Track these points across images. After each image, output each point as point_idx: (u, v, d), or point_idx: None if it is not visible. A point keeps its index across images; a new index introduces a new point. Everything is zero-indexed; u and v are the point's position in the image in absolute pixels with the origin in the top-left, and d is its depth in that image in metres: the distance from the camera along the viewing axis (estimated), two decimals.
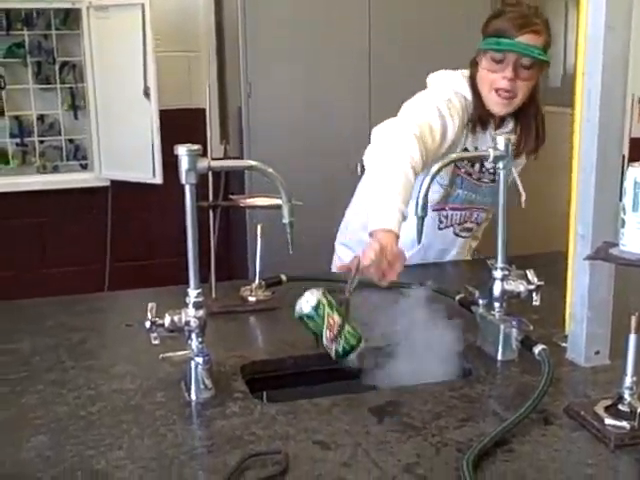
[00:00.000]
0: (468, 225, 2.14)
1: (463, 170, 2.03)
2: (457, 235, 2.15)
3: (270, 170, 1.38)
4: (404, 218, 1.66)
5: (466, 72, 2.01)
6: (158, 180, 3.09)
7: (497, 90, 1.90)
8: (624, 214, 1.19)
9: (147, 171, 3.10)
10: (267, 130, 3.12)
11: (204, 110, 3.48)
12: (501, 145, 1.48)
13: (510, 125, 2.03)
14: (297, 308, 1.39)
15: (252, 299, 1.83)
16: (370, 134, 3.18)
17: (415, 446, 1.18)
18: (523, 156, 2.07)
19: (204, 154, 3.69)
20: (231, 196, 1.85)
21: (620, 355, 1.47)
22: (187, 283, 1.34)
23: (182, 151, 1.29)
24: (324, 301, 1.37)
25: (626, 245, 1.19)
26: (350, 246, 2.22)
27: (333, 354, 1.40)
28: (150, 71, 3.01)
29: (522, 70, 1.88)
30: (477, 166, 2.03)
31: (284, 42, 3.10)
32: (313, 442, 1.18)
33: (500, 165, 1.49)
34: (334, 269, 2.25)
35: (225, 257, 3.47)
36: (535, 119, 2.02)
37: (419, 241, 1.53)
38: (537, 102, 2.01)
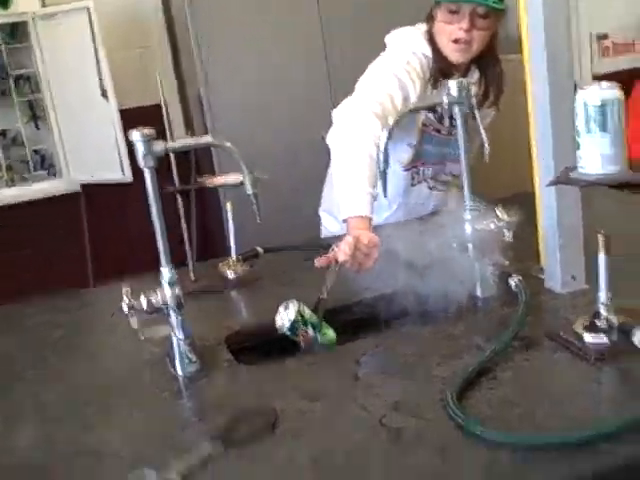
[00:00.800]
0: (443, 178, 2.14)
1: (431, 127, 2.02)
2: (432, 189, 2.15)
3: (227, 144, 1.37)
4: (374, 199, 1.68)
5: (423, 27, 2.00)
6: (128, 178, 3.08)
7: (454, 40, 1.90)
8: (578, 137, 1.20)
9: (116, 171, 3.09)
10: (229, 113, 3.10)
11: (158, 105, 3.51)
12: (454, 90, 1.49)
13: (475, 76, 2.03)
14: (278, 323, 1.45)
15: (231, 275, 1.83)
16: (331, 98, 3.23)
17: (400, 386, 1.19)
18: (490, 109, 2.07)
19: None
20: (199, 179, 1.85)
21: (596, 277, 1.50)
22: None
23: (136, 136, 1.29)
24: (298, 318, 1.44)
25: (584, 167, 1.20)
26: (334, 214, 2.22)
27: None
28: (105, 72, 3.00)
29: (478, 19, 1.87)
30: (447, 120, 2.01)
31: (234, 23, 3.07)
32: (301, 396, 1.19)
33: (455, 110, 1.49)
34: (323, 235, 2.27)
35: (206, 240, 3.47)
36: (494, 69, 2.02)
37: (385, 194, 1.54)
38: (496, 52, 2.00)
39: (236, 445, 1.05)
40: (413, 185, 2.10)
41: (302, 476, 0.96)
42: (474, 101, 1.95)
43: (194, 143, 1.39)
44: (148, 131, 1.31)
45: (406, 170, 2.08)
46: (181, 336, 1.33)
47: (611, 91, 1.18)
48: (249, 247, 1.89)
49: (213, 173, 2.80)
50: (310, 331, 1.44)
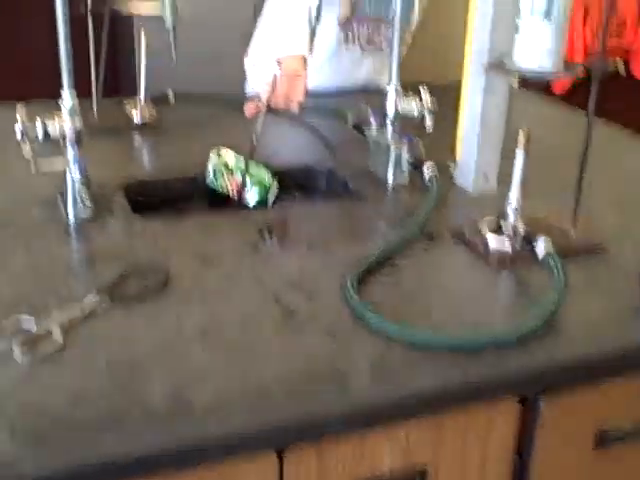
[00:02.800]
0: (376, 39, 2.03)
1: None
2: (365, 51, 2.04)
3: None
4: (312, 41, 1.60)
5: None
6: None
7: None
8: (519, 19, 1.14)
9: None
10: None
11: None
12: None
13: None
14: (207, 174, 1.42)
15: (136, 116, 1.72)
16: None
17: (301, 263, 1.17)
18: None
19: None
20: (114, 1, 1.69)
21: (508, 183, 1.50)
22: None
23: None
24: (220, 167, 1.38)
25: (520, 58, 1.15)
26: (262, 66, 2.07)
27: (251, 205, 1.39)
28: None
29: None
30: None
31: None
32: (196, 258, 1.15)
33: None
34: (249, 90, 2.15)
35: (113, 73, 3.24)
36: None
37: (310, 50, 1.45)
38: None
39: (123, 301, 1.00)
40: (346, 44, 2.00)
41: (188, 344, 0.93)
42: None
43: None
44: None
45: (340, 25, 1.98)
46: (77, 175, 1.25)
47: None
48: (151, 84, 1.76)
49: None
50: (239, 177, 1.38)
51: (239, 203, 1.43)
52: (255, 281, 1.10)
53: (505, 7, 1.33)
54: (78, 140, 1.24)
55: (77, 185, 1.25)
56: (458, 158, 1.54)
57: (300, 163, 1.59)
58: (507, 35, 1.35)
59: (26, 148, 1.23)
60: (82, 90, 1.71)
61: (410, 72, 1.59)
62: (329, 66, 2.02)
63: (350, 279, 1.08)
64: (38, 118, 1.20)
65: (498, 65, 1.18)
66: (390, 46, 2.05)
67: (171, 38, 1.30)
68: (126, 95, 1.77)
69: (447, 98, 1.50)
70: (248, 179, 1.42)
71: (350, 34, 1.99)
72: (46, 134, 1.22)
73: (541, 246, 1.16)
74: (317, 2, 1.39)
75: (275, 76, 1.48)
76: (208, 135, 1.70)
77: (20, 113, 1.20)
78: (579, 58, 3.67)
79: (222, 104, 1.88)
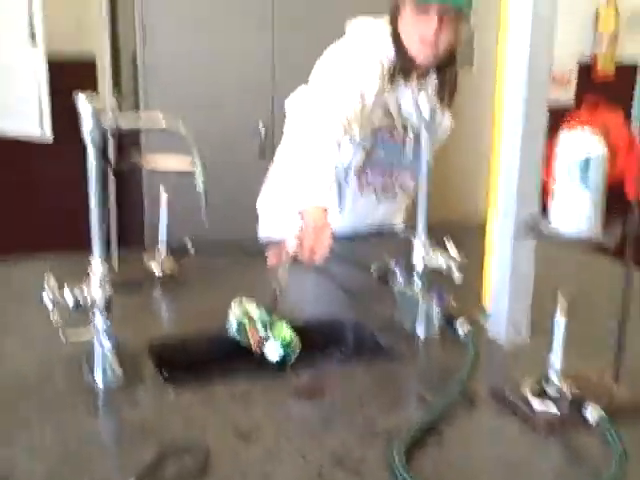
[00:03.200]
0: (390, 187, 2.07)
1: (386, 129, 1.95)
2: (380, 200, 2.07)
3: (183, 130, 1.26)
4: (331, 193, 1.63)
5: (386, 20, 1.93)
6: (47, 134, 2.84)
7: (422, 40, 1.84)
8: (556, 186, 1.14)
9: (33, 126, 2.82)
10: (164, 79, 2.91)
11: (93, 57, 3.28)
12: (425, 111, 1.41)
13: (432, 78, 1.97)
14: (227, 325, 1.39)
15: (157, 270, 1.71)
16: (273, 93, 3.11)
17: (341, 434, 1.11)
18: (443, 117, 2.01)
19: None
20: (135, 156, 1.71)
21: (540, 332, 1.46)
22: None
23: (84, 105, 1.14)
24: (244, 320, 1.36)
25: (560, 222, 1.15)
26: (275, 213, 2.14)
27: (273, 360, 1.36)
28: (37, 12, 2.74)
29: (446, 20, 1.82)
30: (400, 127, 1.96)
31: None
32: (233, 433, 1.10)
33: (423, 130, 1.42)
34: (260, 235, 2.18)
35: (121, 225, 3.27)
36: (451, 69, 1.97)
37: (341, 207, 1.45)
38: (455, 53, 1.96)
39: None
40: (361, 192, 2.02)
41: None
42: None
43: (146, 122, 1.26)
44: (100, 106, 1.17)
45: (355, 175, 2.00)
46: (107, 344, 1.21)
47: (597, 145, 1.14)
48: (173, 239, 1.76)
49: (138, 146, 2.62)
50: (261, 331, 1.35)
51: (261, 357, 1.39)
52: (297, 456, 1.05)
53: (531, 170, 1.35)
54: (107, 307, 1.22)
55: (106, 352, 1.22)
56: (488, 309, 1.52)
57: (326, 315, 1.56)
58: (532, 190, 1.38)
59: (54, 317, 1.20)
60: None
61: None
62: (344, 213, 2.04)
63: (397, 454, 1.03)
64: (67, 287, 1.18)
65: (533, 229, 1.17)
66: (405, 192, 2.09)
67: (202, 202, 1.30)
68: (132, 245, 1.76)
69: (468, 239, 1.49)
70: (270, 334, 1.38)
71: (365, 183, 2.01)
72: (75, 300, 1.20)
73: (591, 412, 1.12)
74: (346, 162, 1.39)
75: (302, 229, 1.47)
76: (229, 285, 1.69)
77: (48, 283, 1.18)
78: None
79: (240, 251, 1.88)
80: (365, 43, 1.90)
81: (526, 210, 1.38)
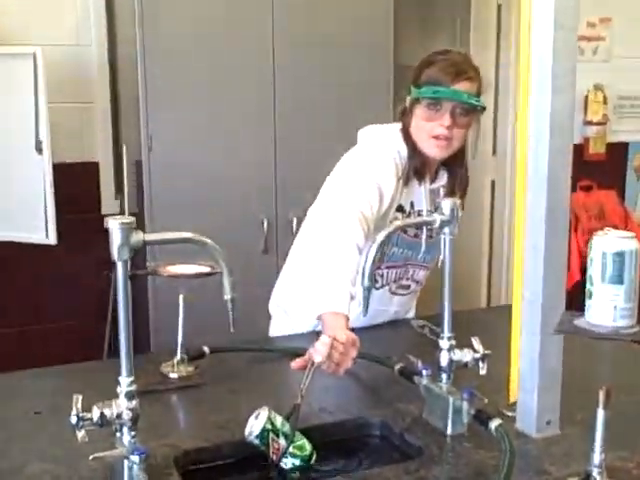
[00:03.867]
0: (404, 282, 2.07)
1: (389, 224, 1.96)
2: (394, 294, 2.08)
3: (209, 241, 1.27)
4: (352, 298, 1.63)
5: (396, 126, 1.97)
6: (52, 241, 2.86)
7: (436, 137, 1.88)
8: (591, 285, 1.15)
9: (39, 232, 2.85)
10: (167, 185, 2.96)
11: (97, 164, 3.34)
12: (447, 210, 1.43)
13: (444, 178, 2.00)
14: (247, 432, 1.36)
15: (174, 375, 1.69)
16: (275, 188, 3.16)
17: None
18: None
19: (98, 210, 3.48)
20: (149, 264, 1.71)
21: (569, 423, 1.45)
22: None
23: (114, 224, 1.16)
24: (268, 426, 1.35)
25: (595, 317, 1.15)
26: (288, 313, 2.14)
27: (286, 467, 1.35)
28: (43, 124, 2.80)
29: (459, 117, 1.86)
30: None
31: (184, 93, 2.97)
32: None
33: (446, 231, 1.44)
34: (272, 334, 2.17)
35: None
36: (462, 170, 2.01)
37: (365, 313, 1.46)
38: (464, 153, 1.99)
39: None
40: (377, 289, 2.01)
41: None
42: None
43: (173, 237, 1.27)
44: (127, 220, 1.18)
45: None
46: (136, 460, 1.18)
47: (630, 241, 1.15)
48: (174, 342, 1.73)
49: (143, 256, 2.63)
50: (282, 442, 1.34)
51: (276, 466, 1.37)
52: None
53: (555, 260, 1.36)
54: (134, 422, 1.20)
55: (135, 469, 1.18)
56: (515, 401, 1.50)
57: (352, 415, 1.53)
58: (559, 281, 1.39)
59: (80, 434, 1.18)
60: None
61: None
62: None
63: None
64: (96, 408, 1.17)
65: (574, 330, 1.17)
66: (417, 284, 2.09)
67: (229, 308, 1.29)
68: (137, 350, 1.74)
69: (480, 328, 1.49)
70: (291, 448, 1.36)
71: (380, 279, 2.01)
72: (102, 416, 1.18)
73: None
74: (370, 262, 1.40)
75: (330, 340, 1.48)
76: (247, 388, 1.67)
77: (76, 403, 1.16)
78: (574, 260, 3.77)
79: (256, 351, 1.87)
80: (379, 146, 1.94)
81: (551, 303, 1.39)
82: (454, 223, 1.43)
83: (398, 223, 1.64)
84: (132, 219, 1.18)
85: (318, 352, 1.46)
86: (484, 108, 1.90)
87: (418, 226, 1.90)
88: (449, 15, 4.21)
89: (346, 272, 1.65)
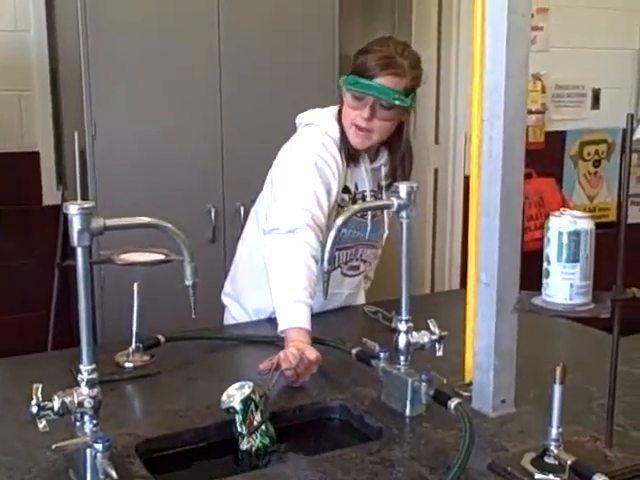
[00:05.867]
0: (354, 263, 2.09)
1: (346, 208, 1.98)
2: (345, 275, 2.09)
3: (170, 226, 1.26)
4: (311, 310, 1.70)
5: (333, 108, 1.99)
6: None
7: (356, 126, 1.89)
8: (548, 264, 1.18)
9: None
10: (113, 174, 2.90)
11: (38, 153, 3.26)
12: (404, 193, 1.45)
13: (384, 157, 2.02)
14: (224, 397, 1.39)
15: (129, 365, 1.67)
16: (222, 176, 3.13)
17: None
18: None
19: (39, 201, 3.40)
20: (102, 252, 1.68)
21: (524, 401, 1.49)
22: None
23: (73, 210, 1.13)
24: (253, 396, 1.38)
25: (552, 296, 1.18)
26: (241, 302, 2.15)
27: (244, 446, 1.38)
28: None
29: (380, 110, 1.86)
30: (359, 202, 2.00)
31: (128, 79, 2.90)
32: None
33: (403, 214, 1.45)
34: (227, 323, 2.18)
35: (66, 318, 3.20)
36: (403, 155, 2.01)
37: (325, 296, 1.47)
38: (406, 138, 1.99)
39: None
40: None
41: None
42: (383, 184, 2.01)
43: (134, 222, 1.26)
44: (87, 204, 1.16)
45: None
46: (100, 447, 1.16)
47: (586, 220, 1.18)
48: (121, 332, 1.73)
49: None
50: (257, 418, 1.37)
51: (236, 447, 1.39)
52: None
53: (510, 243, 1.39)
54: (96, 410, 1.18)
55: (99, 457, 1.16)
56: (470, 380, 1.53)
57: (311, 399, 1.54)
58: (514, 264, 1.42)
59: (42, 425, 1.16)
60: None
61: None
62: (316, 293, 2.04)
63: None
64: (56, 397, 1.15)
65: (531, 307, 1.20)
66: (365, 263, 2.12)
67: (191, 294, 1.29)
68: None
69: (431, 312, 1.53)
70: (263, 427, 1.37)
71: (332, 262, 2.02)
72: (63, 404, 1.16)
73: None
74: (329, 247, 1.41)
75: (299, 354, 1.56)
76: (203, 375, 1.67)
77: (36, 392, 1.14)
78: None
79: (210, 342, 1.87)
80: (317, 131, 1.94)
81: (507, 285, 1.42)
82: (411, 206, 1.45)
83: (355, 207, 1.66)
84: (92, 204, 1.16)
85: (287, 361, 1.53)
86: (406, 107, 1.87)
87: (375, 210, 1.92)
88: (390, 6, 4.24)
89: (303, 284, 1.70)
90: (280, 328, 1.69)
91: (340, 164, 1.92)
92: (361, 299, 2.24)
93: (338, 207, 1.94)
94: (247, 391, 1.38)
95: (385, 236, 2.08)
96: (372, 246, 2.10)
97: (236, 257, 2.18)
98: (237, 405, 1.37)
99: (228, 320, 2.16)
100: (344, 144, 1.93)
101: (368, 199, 2.00)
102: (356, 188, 2.00)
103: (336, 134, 1.94)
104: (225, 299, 2.19)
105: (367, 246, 2.09)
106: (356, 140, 1.92)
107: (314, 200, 1.83)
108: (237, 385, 1.39)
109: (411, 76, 1.86)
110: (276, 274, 1.76)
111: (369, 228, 1.98)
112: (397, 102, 1.84)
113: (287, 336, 1.66)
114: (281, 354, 1.55)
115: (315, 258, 1.73)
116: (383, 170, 2.01)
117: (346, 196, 1.97)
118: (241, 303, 2.13)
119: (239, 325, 2.08)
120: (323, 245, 1.47)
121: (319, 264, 1.58)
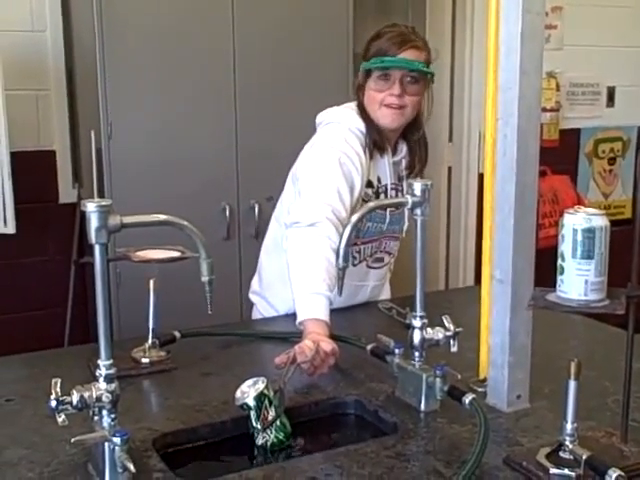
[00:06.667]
0: (379, 255, 2.12)
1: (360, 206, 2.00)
2: (370, 267, 2.12)
3: (186, 224, 1.27)
4: (331, 303, 1.71)
5: (351, 104, 2.02)
6: (10, 230, 2.82)
7: (387, 105, 1.93)
8: (562, 261, 1.19)
9: None
10: (129, 172, 2.93)
11: (54, 152, 3.29)
12: (418, 191, 1.45)
13: (404, 150, 2.06)
14: (238, 394, 1.40)
15: (146, 360, 1.68)
16: (237, 174, 3.15)
17: None
18: None
19: (56, 199, 3.42)
20: (118, 250, 1.70)
21: (538, 397, 1.49)
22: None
23: (91, 207, 1.15)
24: (267, 392, 1.39)
25: (566, 292, 1.19)
26: (268, 299, 2.17)
27: (260, 441, 1.39)
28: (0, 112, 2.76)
29: (408, 85, 1.92)
30: (382, 196, 2.02)
31: (145, 78, 2.93)
32: None
33: (418, 212, 1.46)
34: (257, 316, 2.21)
35: (83, 314, 3.23)
36: (419, 139, 2.06)
37: (340, 293, 1.49)
38: (422, 124, 2.05)
39: None
40: (354, 265, 2.05)
41: None
42: (404, 174, 2.04)
43: (151, 220, 1.27)
44: (105, 202, 1.18)
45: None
46: (118, 441, 1.18)
47: (600, 218, 1.19)
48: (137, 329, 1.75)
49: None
50: (271, 414, 1.37)
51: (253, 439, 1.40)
52: None
53: (524, 240, 1.39)
54: (114, 404, 1.20)
55: (117, 450, 1.18)
56: (482, 375, 1.54)
57: (326, 395, 1.55)
58: (528, 260, 1.42)
59: (60, 419, 1.17)
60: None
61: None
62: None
63: None
64: (75, 391, 1.17)
65: (546, 304, 1.20)
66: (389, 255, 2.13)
67: (207, 291, 1.30)
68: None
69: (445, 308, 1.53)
70: (278, 422, 1.38)
71: (358, 255, 2.05)
72: (81, 399, 1.18)
73: (613, 475, 1.13)
74: (344, 244, 1.42)
75: (315, 347, 1.56)
76: (219, 373, 1.68)
77: (55, 387, 1.16)
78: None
79: (225, 338, 1.88)
80: (339, 127, 1.97)
81: (521, 282, 1.42)
82: (425, 204, 1.45)
83: (371, 205, 1.66)
84: (110, 201, 1.17)
85: (303, 354, 1.54)
86: (432, 75, 1.95)
87: (391, 207, 1.93)
88: (403, 5, 4.24)
89: (322, 277, 1.72)
90: (298, 319, 1.70)
91: (363, 159, 1.94)
92: (386, 292, 2.26)
93: (362, 202, 1.96)
94: (261, 387, 1.39)
95: (406, 227, 2.10)
96: (395, 238, 2.13)
97: (261, 255, 2.22)
98: (251, 402, 1.38)
99: (256, 317, 2.20)
100: (369, 136, 1.96)
101: (389, 192, 2.04)
102: (379, 182, 2.03)
103: (360, 127, 1.96)
104: (252, 297, 2.23)
105: (390, 238, 2.12)
106: (387, 120, 1.95)
107: (336, 195, 1.85)
108: (250, 381, 1.40)
109: (427, 51, 1.95)
110: (296, 267, 1.77)
111: (387, 220, 2.01)
112: (425, 69, 1.91)
113: (305, 327, 1.67)
114: (297, 347, 1.56)
115: (335, 251, 1.73)
116: (404, 163, 2.06)
117: (370, 190, 2.01)
118: (267, 300, 2.16)
119: (263, 320, 2.11)
120: (339, 242, 1.48)
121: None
